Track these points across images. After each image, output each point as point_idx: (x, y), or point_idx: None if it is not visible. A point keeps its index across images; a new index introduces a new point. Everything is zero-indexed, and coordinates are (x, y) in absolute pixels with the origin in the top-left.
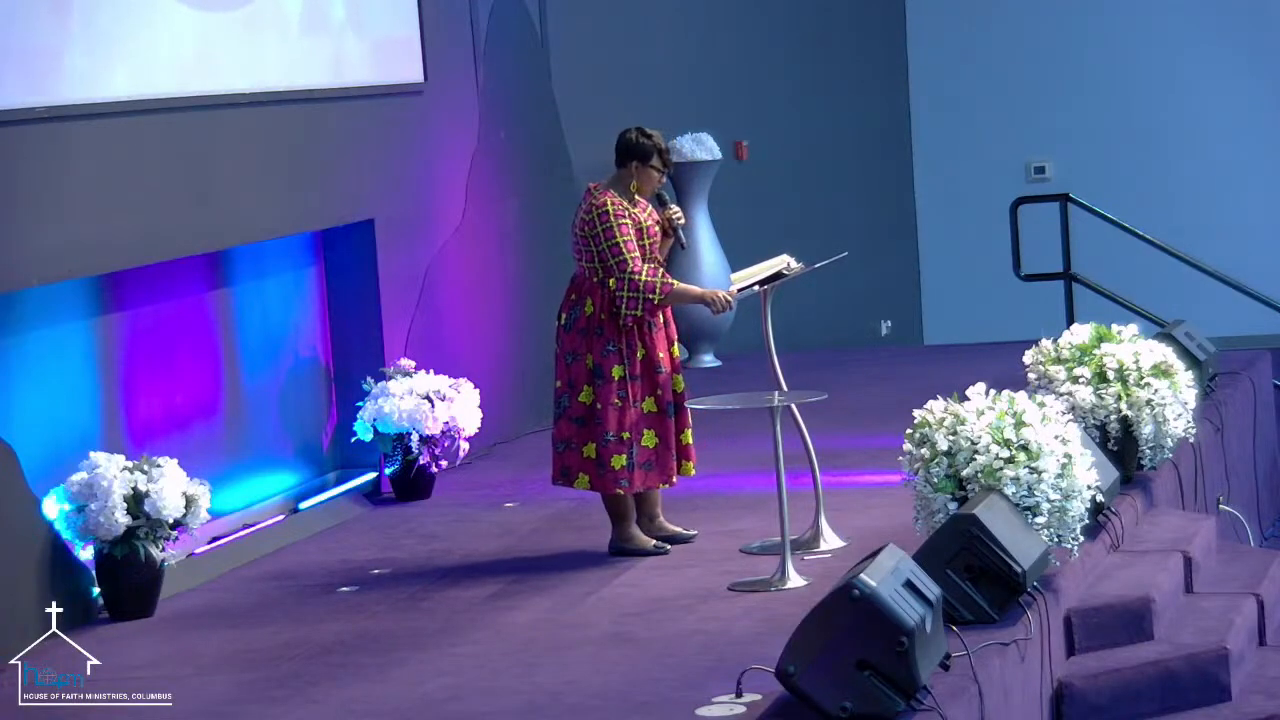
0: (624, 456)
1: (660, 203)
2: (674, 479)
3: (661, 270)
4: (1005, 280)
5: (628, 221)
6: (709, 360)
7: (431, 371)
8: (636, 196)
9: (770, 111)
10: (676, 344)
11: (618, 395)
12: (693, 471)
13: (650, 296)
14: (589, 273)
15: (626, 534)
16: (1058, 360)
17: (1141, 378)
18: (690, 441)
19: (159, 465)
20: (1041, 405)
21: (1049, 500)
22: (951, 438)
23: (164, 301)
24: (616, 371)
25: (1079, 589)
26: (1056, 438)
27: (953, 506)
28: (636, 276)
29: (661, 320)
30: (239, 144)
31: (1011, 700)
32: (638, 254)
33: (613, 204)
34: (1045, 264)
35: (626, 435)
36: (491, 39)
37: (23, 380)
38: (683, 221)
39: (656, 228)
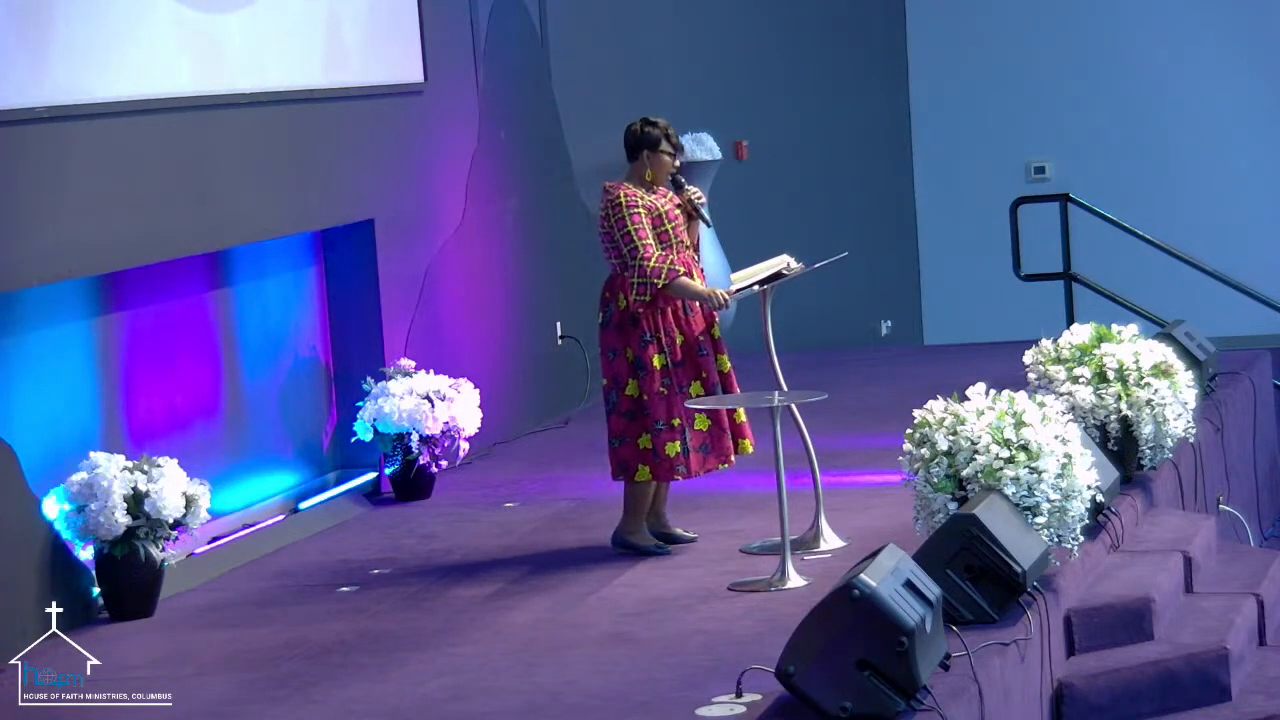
0: (677, 443)
1: (677, 186)
2: (732, 459)
3: (672, 258)
4: (1005, 280)
5: (640, 210)
6: None
7: (431, 371)
8: (653, 185)
9: (770, 111)
10: (717, 324)
11: (662, 384)
12: (750, 449)
13: (655, 281)
14: (617, 268)
15: (633, 526)
16: (1058, 360)
17: (1141, 378)
18: (744, 419)
19: (159, 465)
20: (1041, 405)
21: (1049, 500)
22: (951, 438)
23: (164, 301)
24: (657, 361)
25: (1079, 589)
26: (1056, 438)
27: (953, 506)
28: (645, 262)
29: (697, 304)
30: (239, 144)
31: (1011, 700)
32: (650, 241)
33: (625, 195)
34: (1045, 264)
35: (677, 422)
36: (491, 39)
37: (23, 380)
38: (703, 201)
39: (677, 211)
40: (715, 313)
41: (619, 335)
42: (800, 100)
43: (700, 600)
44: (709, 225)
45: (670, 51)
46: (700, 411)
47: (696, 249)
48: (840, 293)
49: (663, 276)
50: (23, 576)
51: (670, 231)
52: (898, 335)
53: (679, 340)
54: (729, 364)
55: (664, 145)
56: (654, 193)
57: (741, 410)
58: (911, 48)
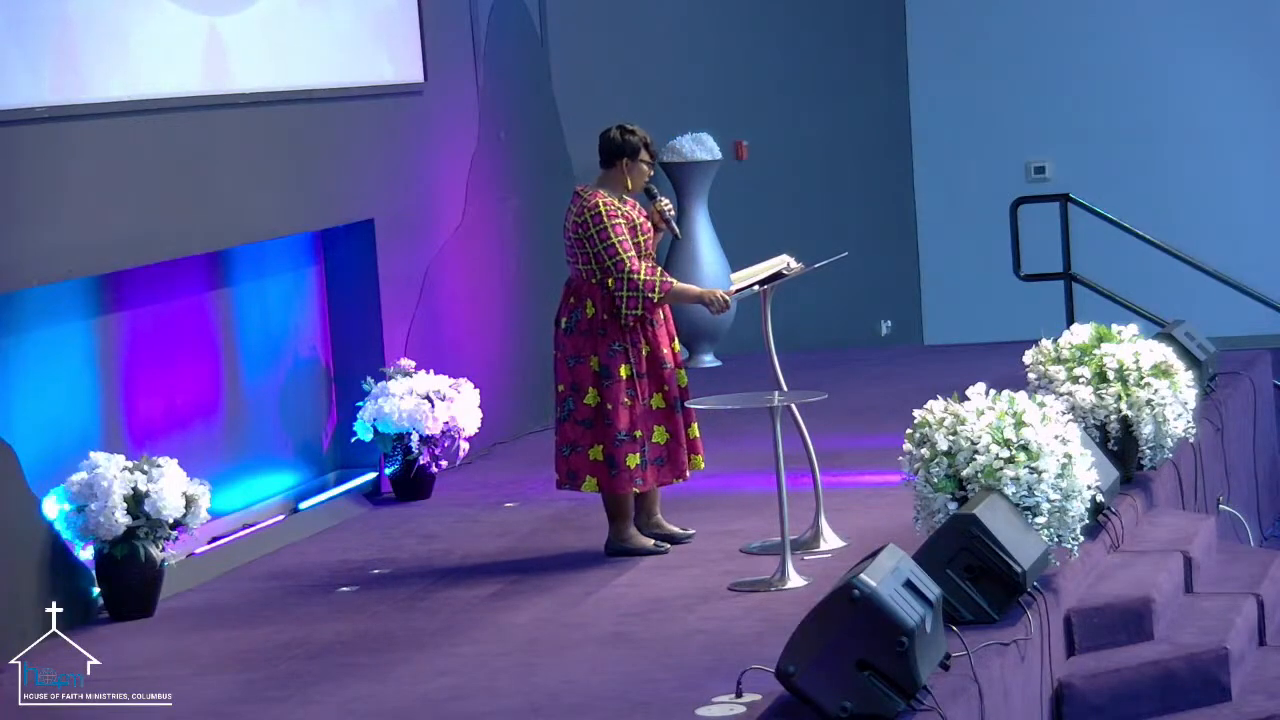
0: (638, 455)
1: (649, 195)
2: (687, 474)
3: (660, 268)
4: (1005, 280)
5: (621, 221)
6: (709, 360)
7: (431, 371)
8: (625, 194)
9: (770, 111)
10: (676, 340)
11: (627, 394)
12: (702, 465)
13: (650, 295)
14: (585, 275)
15: (624, 533)
16: (1058, 360)
17: (1141, 378)
18: (698, 435)
19: (159, 465)
20: (1041, 405)
21: (1049, 500)
22: (951, 438)
23: (164, 301)
24: (624, 370)
25: (1079, 589)
26: (1056, 438)
27: (953, 506)
28: (635, 276)
29: (661, 316)
30: (239, 144)
31: (1011, 700)
32: (634, 253)
33: (604, 204)
34: (1045, 264)
35: (639, 434)
36: (491, 39)
37: (23, 380)
38: (674, 213)
39: (648, 223)
40: (674, 330)
41: (586, 342)
42: (800, 100)
43: (700, 600)
44: (678, 238)
45: (670, 51)
46: (661, 425)
47: (656, 261)
48: (840, 293)
49: (656, 290)
50: (23, 576)
51: (641, 243)
52: (898, 335)
53: (645, 352)
54: (685, 379)
55: (643, 154)
56: (625, 202)
57: (695, 427)
58: (911, 48)
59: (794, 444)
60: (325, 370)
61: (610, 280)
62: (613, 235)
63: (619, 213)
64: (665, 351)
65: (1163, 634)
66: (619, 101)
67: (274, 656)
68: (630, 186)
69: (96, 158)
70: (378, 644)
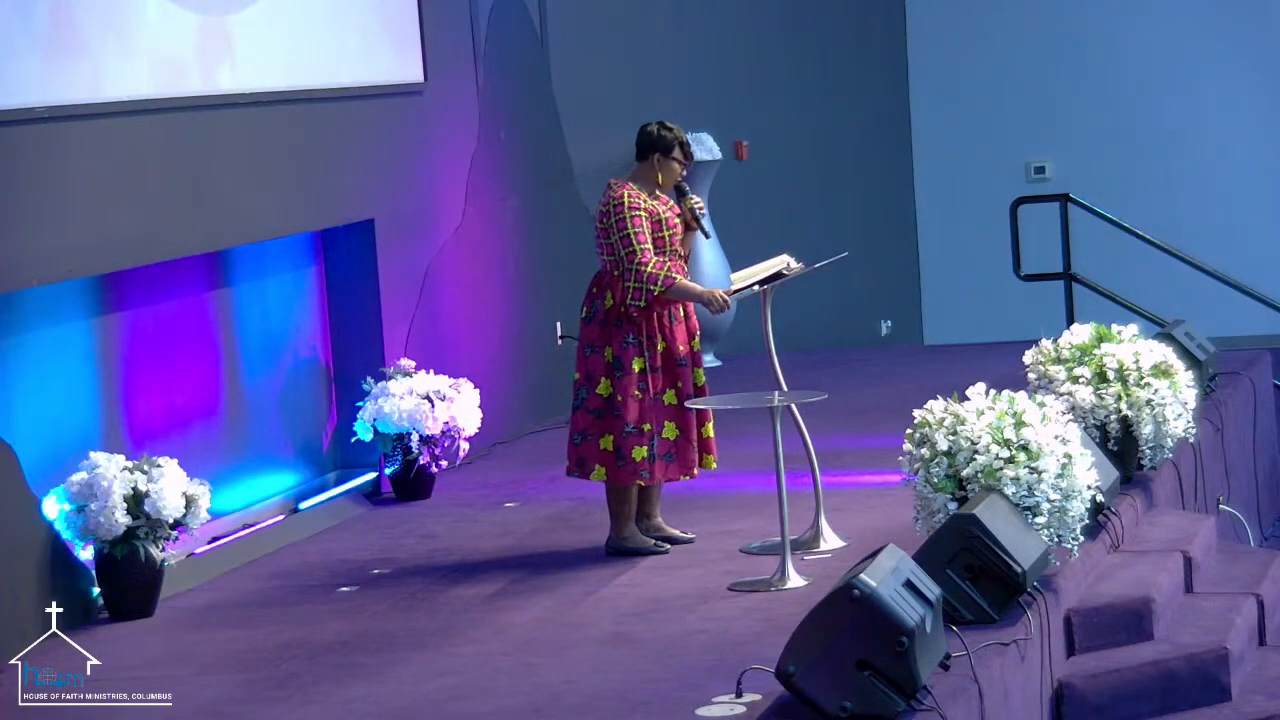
0: (645, 448)
1: (680, 194)
2: (695, 471)
3: (668, 264)
4: (1005, 280)
5: (642, 213)
6: (709, 360)
7: (431, 371)
8: (657, 190)
9: (770, 111)
10: (697, 337)
11: (638, 387)
12: (713, 465)
13: (652, 287)
14: (610, 266)
15: (625, 532)
16: (1058, 360)
17: (1141, 378)
18: (712, 435)
19: (159, 465)
20: (1041, 405)
21: (1049, 500)
22: (951, 438)
23: (164, 301)
24: (637, 364)
25: (1079, 589)
26: (1056, 438)
27: (953, 506)
28: (642, 267)
29: (682, 313)
30: (239, 144)
31: (1011, 700)
32: (649, 246)
33: (629, 195)
34: (1045, 264)
35: (647, 427)
36: (491, 39)
37: (23, 380)
38: (704, 211)
39: (677, 220)
40: (697, 326)
41: (601, 332)
42: (800, 100)
43: (700, 600)
44: (708, 236)
45: (670, 51)
46: (671, 420)
47: (687, 259)
48: (840, 293)
49: (659, 283)
50: (23, 576)
51: (667, 238)
52: (898, 335)
53: (660, 347)
54: (704, 377)
55: (676, 152)
56: (656, 198)
57: (710, 426)
58: (911, 48)
59: (794, 444)
60: (325, 370)
61: (621, 271)
62: (630, 226)
63: (641, 205)
64: (682, 348)
65: (1163, 634)
66: (619, 101)
67: (274, 656)
68: (660, 182)
69: (96, 158)
70: (378, 644)
